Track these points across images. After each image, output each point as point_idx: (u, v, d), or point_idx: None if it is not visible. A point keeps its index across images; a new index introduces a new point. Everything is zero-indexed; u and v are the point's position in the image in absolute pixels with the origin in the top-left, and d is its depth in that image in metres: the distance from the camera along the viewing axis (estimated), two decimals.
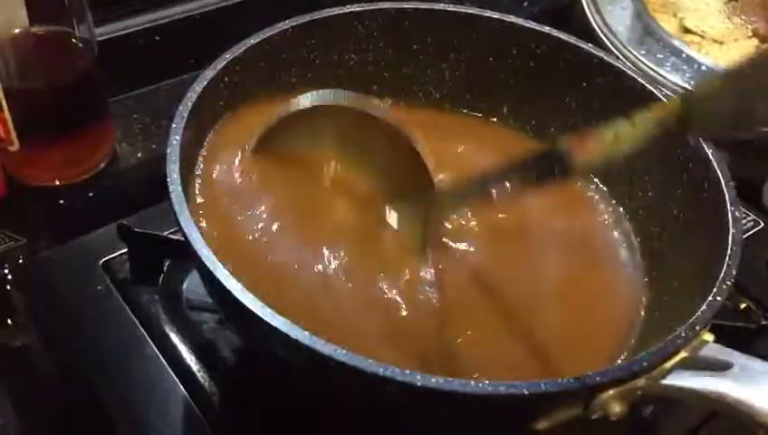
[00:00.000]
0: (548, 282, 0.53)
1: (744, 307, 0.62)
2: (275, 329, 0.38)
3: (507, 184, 0.48)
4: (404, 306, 0.49)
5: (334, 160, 0.54)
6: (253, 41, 0.54)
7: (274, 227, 0.50)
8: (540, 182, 0.48)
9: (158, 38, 0.79)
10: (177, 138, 0.47)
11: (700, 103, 0.42)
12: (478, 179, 0.51)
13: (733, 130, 0.43)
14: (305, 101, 0.52)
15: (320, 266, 0.49)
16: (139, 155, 0.73)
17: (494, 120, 0.64)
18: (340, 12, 0.58)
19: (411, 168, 0.52)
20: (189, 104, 0.49)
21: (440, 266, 0.51)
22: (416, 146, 0.51)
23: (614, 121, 0.44)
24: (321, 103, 0.52)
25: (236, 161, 0.53)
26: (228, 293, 0.40)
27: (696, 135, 0.50)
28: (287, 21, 0.56)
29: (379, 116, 0.52)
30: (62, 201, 0.68)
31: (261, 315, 0.39)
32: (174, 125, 0.47)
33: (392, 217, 0.53)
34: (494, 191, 0.49)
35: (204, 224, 0.49)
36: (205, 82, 0.51)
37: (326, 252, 0.49)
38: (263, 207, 0.51)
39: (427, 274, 0.50)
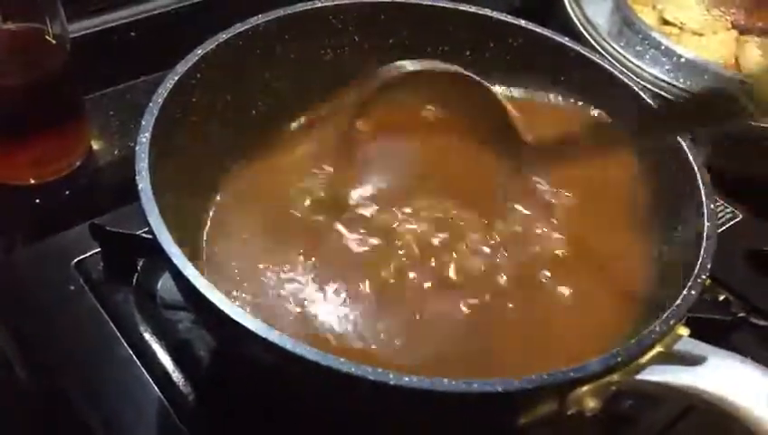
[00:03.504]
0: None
1: (723, 299, 0.62)
2: (246, 329, 0.38)
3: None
4: None
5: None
6: (225, 36, 0.54)
7: None
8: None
9: (133, 34, 0.79)
10: (147, 135, 0.46)
11: None
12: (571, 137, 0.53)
13: None
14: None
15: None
16: (116, 153, 0.72)
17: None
18: (314, 6, 0.57)
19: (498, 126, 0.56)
20: (159, 101, 0.48)
21: None
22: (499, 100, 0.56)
23: None
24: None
25: None
26: (198, 292, 0.39)
27: None
28: (260, 16, 0.55)
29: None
30: (37, 200, 0.67)
31: (231, 315, 0.38)
32: (144, 123, 0.47)
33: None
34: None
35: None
36: (175, 79, 0.50)
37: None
38: None
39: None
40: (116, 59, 0.78)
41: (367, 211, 0.53)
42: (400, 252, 0.51)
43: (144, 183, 0.44)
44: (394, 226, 0.52)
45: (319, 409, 0.46)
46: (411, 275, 0.50)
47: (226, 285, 0.48)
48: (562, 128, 0.56)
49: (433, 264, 0.51)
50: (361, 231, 0.52)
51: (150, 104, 0.48)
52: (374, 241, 0.52)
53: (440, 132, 0.58)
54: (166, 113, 0.48)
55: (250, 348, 0.40)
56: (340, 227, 0.52)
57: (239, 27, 0.54)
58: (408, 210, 0.53)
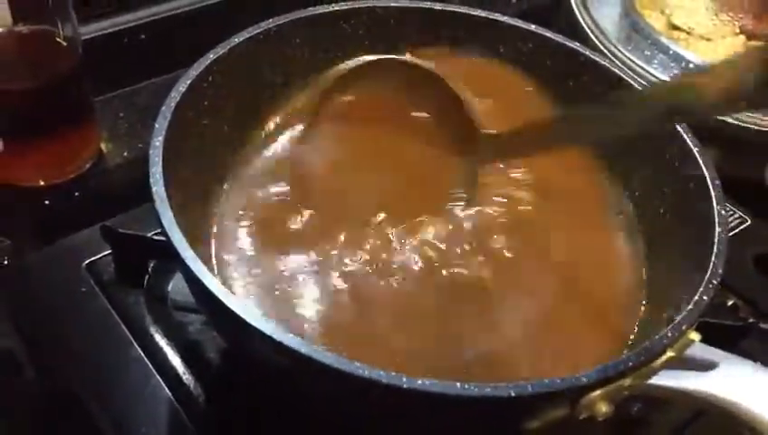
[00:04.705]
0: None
1: (731, 304, 0.62)
2: (260, 332, 0.38)
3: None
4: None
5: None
6: (237, 40, 0.54)
7: None
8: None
9: (143, 36, 0.79)
10: (160, 139, 0.46)
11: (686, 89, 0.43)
12: (527, 130, 0.53)
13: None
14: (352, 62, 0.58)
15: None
16: (125, 154, 0.72)
17: None
18: (325, 11, 0.57)
19: (456, 117, 0.56)
20: (172, 105, 0.49)
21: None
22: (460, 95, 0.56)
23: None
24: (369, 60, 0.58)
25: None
26: (213, 296, 0.39)
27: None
28: (271, 20, 0.55)
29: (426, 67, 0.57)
30: (47, 202, 0.67)
31: (245, 318, 0.39)
32: (157, 126, 0.47)
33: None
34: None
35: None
36: (188, 82, 0.50)
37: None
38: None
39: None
40: (125, 61, 0.79)
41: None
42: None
43: (158, 186, 0.44)
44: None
45: (329, 411, 0.46)
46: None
47: (234, 284, 0.49)
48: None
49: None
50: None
51: (163, 108, 0.48)
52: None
53: (400, 125, 0.58)
54: (178, 116, 0.49)
55: (263, 351, 0.40)
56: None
57: (251, 31, 0.55)
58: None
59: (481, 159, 0.55)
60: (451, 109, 0.56)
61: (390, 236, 0.52)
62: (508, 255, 0.52)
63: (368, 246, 0.52)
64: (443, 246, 0.52)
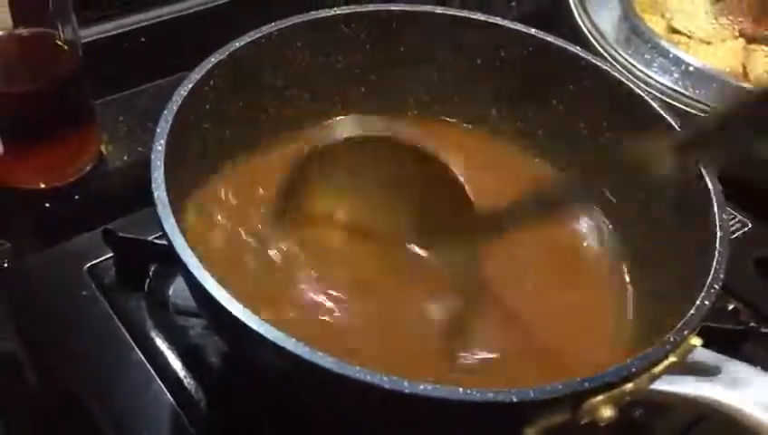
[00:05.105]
0: (532, 292, 0.53)
1: (732, 308, 0.62)
2: (262, 337, 0.38)
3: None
4: None
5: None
6: (238, 44, 0.54)
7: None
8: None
9: (143, 39, 0.79)
10: (162, 143, 0.46)
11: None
12: (522, 203, 0.49)
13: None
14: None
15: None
16: (126, 158, 0.72)
17: (473, 126, 0.63)
18: (327, 14, 0.57)
19: (445, 195, 0.52)
20: (174, 108, 0.48)
21: None
22: (449, 169, 0.52)
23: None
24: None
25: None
26: (214, 300, 0.39)
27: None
28: (273, 24, 0.55)
29: (405, 142, 0.52)
30: (47, 205, 0.67)
31: (247, 323, 0.39)
32: (158, 130, 0.47)
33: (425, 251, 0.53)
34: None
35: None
36: (190, 86, 0.50)
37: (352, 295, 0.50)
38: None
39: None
40: (125, 64, 0.79)
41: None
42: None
43: (160, 191, 0.44)
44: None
45: (331, 415, 0.46)
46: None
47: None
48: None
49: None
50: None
51: (165, 112, 0.48)
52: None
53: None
54: (180, 120, 0.49)
55: (265, 355, 0.40)
56: None
57: (253, 35, 0.54)
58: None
59: (479, 237, 0.51)
60: (442, 186, 0.52)
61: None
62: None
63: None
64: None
